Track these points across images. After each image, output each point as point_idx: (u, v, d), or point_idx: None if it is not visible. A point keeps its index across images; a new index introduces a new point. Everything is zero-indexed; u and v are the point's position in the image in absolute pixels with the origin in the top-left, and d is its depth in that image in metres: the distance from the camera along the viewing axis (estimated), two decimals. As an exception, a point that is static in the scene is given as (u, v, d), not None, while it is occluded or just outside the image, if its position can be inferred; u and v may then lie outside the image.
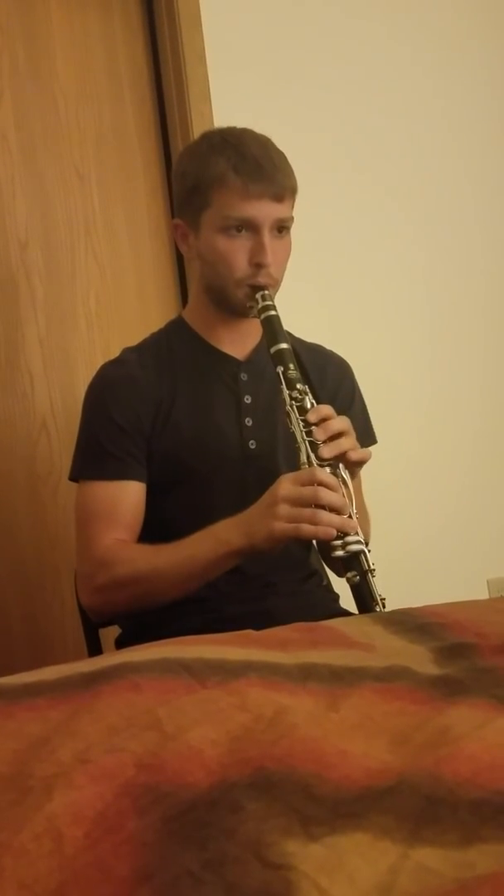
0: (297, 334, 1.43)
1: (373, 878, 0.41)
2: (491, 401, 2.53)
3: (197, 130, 1.97)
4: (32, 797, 0.51)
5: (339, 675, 0.70)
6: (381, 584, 1.18)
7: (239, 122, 1.35)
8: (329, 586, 1.50)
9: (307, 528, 1.09)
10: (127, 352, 1.39)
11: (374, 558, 1.24)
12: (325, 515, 1.09)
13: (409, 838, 0.44)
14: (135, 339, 1.44)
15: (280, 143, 1.36)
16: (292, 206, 1.30)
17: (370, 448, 1.39)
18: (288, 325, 1.30)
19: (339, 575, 1.26)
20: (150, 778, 0.52)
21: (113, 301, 2.00)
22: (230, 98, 2.04)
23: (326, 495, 1.10)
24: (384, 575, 1.70)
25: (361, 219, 2.30)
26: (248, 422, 1.34)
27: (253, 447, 1.32)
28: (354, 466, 1.20)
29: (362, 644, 0.81)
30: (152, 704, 0.63)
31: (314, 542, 1.49)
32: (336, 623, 0.93)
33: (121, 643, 1.38)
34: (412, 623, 0.87)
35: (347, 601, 1.41)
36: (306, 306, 1.85)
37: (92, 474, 1.30)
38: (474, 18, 2.51)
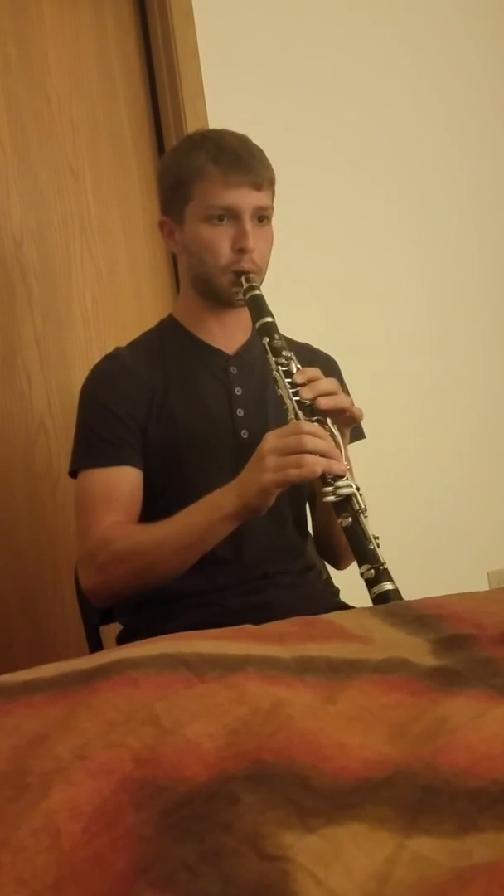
0: (294, 331, 1.43)
1: (369, 868, 0.41)
2: (490, 393, 2.53)
3: (191, 127, 1.97)
4: (30, 794, 0.51)
5: (337, 668, 0.70)
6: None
7: (233, 117, 1.35)
8: (329, 580, 1.50)
9: (293, 472, 1.10)
10: (119, 349, 1.41)
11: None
12: (310, 458, 1.10)
13: (405, 828, 0.44)
14: (131, 336, 1.45)
15: (274, 139, 1.36)
16: (272, 197, 1.34)
17: (359, 442, 1.40)
18: (284, 322, 1.30)
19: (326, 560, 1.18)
20: (147, 772, 0.52)
21: (109, 299, 2.00)
22: (224, 94, 2.04)
23: (310, 441, 1.11)
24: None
25: (357, 216, 2.29)
26: (240, 412, 1.36)
27: (245, 437, 1.33)
28: (343, 425, 1.21)
29: (360, 637, 0.81)
30: (150, 700, 0.63)
31: (310, 531, 1.50)
32: (334, 616, 0.93)
33: (122, 640, 1.38)
34: (410, 615, 0.87)
35: (347, 595, 1.42)
36: (303, 304, 1.85)
37: (88, 463, 1.31)
38: (474, 17, 2.51)
